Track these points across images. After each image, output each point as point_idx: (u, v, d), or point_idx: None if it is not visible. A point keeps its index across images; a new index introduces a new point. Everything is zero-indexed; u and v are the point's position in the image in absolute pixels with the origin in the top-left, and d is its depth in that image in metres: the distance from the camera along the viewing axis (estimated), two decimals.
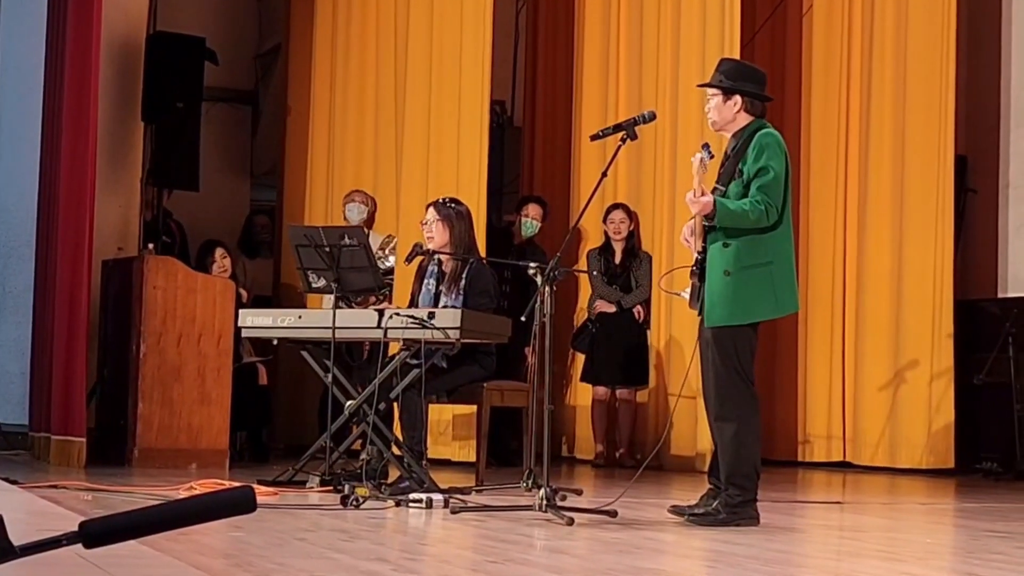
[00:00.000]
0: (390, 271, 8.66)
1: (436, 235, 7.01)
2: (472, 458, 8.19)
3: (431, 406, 7.30)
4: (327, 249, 6.85)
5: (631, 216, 9.53)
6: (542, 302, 5.65)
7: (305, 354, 7.09)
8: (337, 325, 6.71)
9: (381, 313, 6.69)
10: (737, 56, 8.78)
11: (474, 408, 7.47)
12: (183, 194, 9.95)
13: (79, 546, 1.89)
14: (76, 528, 1.90)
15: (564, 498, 5.93)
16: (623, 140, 5.74)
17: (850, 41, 10.05)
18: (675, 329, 9.19)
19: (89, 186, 7.81)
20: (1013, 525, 6.07)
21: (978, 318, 9.82)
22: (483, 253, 7.67)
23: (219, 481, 6.42)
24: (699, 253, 5.59)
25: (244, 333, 7.45)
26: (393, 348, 7.09)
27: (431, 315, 6.52)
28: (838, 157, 10.03)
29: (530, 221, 9.56)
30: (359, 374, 7.58)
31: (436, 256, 7.09)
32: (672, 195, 9.21)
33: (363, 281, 7.00)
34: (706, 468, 6.08)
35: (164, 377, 7.95)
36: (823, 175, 10.07)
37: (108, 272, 8.47)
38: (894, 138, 9.70)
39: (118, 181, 8.86)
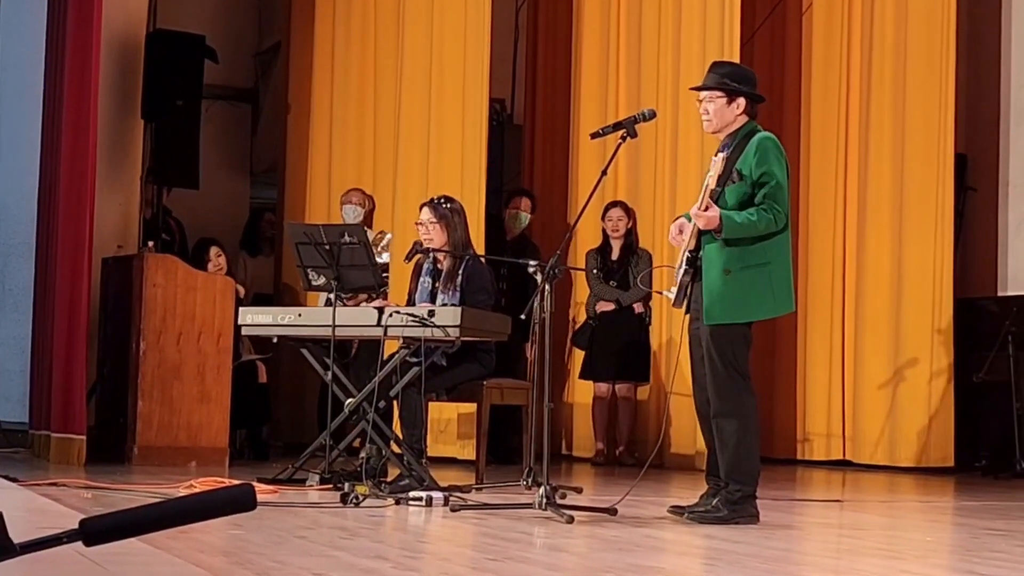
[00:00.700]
0: (384, 267, 8.65)
1: (434, 236, 6.98)
2: (473, 456, 8.20)
3: (431, 404, 7.30)
4: (327, 247, 6.85)
5: (629, 213, 9.52)
6: (542, 300, 5.65)
7: (305, 352, 7.08)
8: (337, 323, 6.71)
9: (381, 311, 6.68)
10: (737, 54, 8.79)
11: (474, 406, 7.47)
12: (183, 192, 9.96)
13: (79, 544, 1.90)
14: (76, 526, 1.90)
15: (564, 496, 5.94)
16: (623, 138, 5.73)
17: (850, 39, 10.05)
18: (675, 328, 9.19)
19: (89, 184, 7.81)
20: (1012, 523, 6.07)
21: (978, 316, 9.82)
22: (482, 250, 7.67)
23: (219, 479, 6.42)
24: (690, 252, 5.58)
25: (244, 331, 7.44)
26: (389, 346, 7.08)
27: (431, 313, 6.52)
28: (837, 155, 10.03)
29: (521, 214, 9.59)
30: (351, 370, 7.58)
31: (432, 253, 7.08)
32: (672, 193, 9.20)
33: (363, 279, 6.99)
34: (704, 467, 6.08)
35: (164, 375, 7.95)
36: (823, 173, 10.07)
37: (108, 270, 8.47)
38: (894, 136, 9.70)
39: (118, 179, 8.86)
